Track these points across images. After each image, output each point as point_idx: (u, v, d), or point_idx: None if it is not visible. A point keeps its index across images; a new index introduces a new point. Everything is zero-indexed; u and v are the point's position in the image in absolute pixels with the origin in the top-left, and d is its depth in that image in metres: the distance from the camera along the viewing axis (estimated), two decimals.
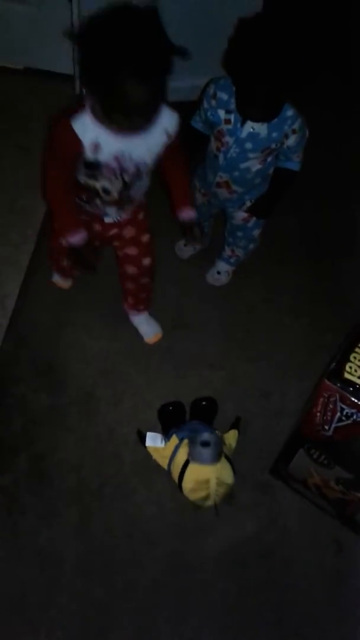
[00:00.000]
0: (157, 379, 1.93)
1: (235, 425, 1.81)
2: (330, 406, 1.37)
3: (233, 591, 1.63)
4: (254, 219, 1.91)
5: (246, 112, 1.63)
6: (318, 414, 1.41)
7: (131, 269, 1.84)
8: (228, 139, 1.68)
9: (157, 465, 1.74)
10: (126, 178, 1.53)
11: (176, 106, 1.50)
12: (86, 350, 1.97)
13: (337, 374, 1.34)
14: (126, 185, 1.55)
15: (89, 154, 1.44)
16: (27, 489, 1.71)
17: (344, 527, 1.69)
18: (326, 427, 1.42)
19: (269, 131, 1.64)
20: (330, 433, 1.42)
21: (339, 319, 1.99)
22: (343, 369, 1.34)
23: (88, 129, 1.41)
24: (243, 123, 1.64)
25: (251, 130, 1.64)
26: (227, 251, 2.09)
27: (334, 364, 1.35)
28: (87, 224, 1.66)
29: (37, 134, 2.32)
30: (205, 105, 1.69)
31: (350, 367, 1.34)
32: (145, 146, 1.49)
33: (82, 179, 1.53)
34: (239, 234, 1.99)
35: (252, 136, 1.65)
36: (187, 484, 1.63)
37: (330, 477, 1.56)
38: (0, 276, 2.00)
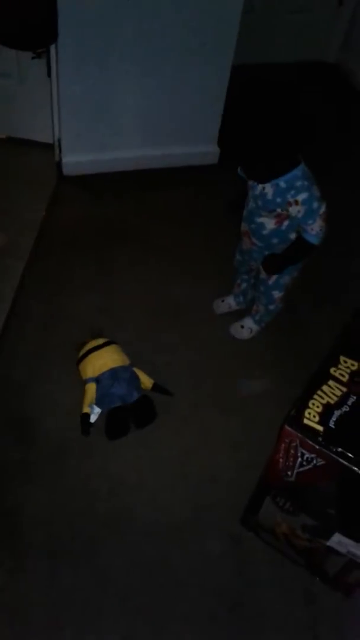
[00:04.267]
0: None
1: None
2: (292, 451, 1.41)
3: None
4: (274, 277, 1.98)
5: (243, 173, 1.81)
6: (280, 459, 1.45)
7: None
8: (250, 192, 1.83)
9: (130, 516, 1.77)
10: None
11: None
12: (58, 405, 2.00)
13: (296, 419, 1.39)
14: None
15: None
16: None
17: (314, 578, 1.70)
18: (289, 473, 1.45)
19: (274, 195, 1.75)
20: (293, 479, 1.45)
21: (307, 371, 2.03)
22: (302, 415, 1.39)
23: None
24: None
25: (262, 189, 1.77)
26: (255, 306, 2.18)
27: (293, 410, 1.40)
28: None
29: (17, 198, 2.44)
30: None
31: (309, 413, 1.39)
32: None
33: None
34: (261, 288, 2.07)
35: (262, 195, 1.78)
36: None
37: (296, 524, 1.58)
38: None
